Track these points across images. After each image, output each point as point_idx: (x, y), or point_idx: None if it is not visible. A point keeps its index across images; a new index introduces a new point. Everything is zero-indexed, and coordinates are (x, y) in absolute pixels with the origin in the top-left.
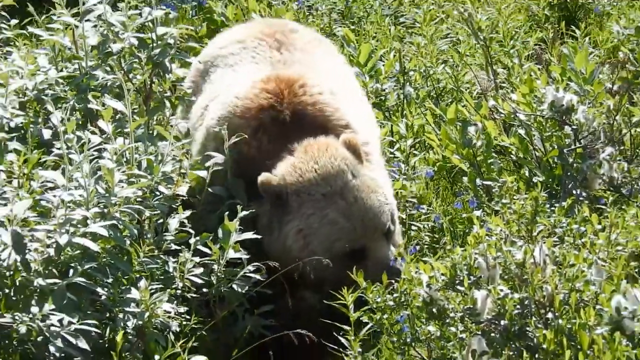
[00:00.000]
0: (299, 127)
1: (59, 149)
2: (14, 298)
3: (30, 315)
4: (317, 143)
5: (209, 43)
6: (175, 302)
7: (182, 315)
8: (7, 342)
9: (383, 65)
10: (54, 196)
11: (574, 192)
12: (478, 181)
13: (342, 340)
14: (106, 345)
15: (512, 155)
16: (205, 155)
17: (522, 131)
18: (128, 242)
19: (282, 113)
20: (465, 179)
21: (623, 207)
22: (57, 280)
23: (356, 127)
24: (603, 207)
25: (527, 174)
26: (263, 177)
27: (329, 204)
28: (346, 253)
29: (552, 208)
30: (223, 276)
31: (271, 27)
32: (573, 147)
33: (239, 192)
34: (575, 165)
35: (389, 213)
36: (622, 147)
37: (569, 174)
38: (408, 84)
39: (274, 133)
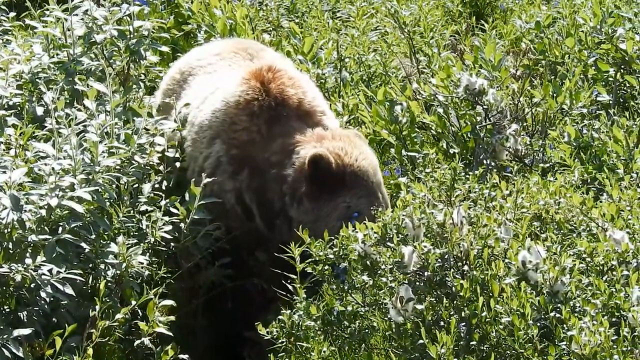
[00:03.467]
0: (285, 111)
1: (50, 124)
2: (11, 251)
3: (25, 266)
4: (347, 135)
5: (184, 55)
6: (148, 254)
7: (154, 266)
8: (4, 288)
9: (323, 53)
10: (46, 165)
11: (485, 162)
12: (403, 152)
13: (290, 287)
14: (89, 291)
15: (432, 130)
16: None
17: (440, 110)
18: (108, 203)
19: (266, 100)
20: (392, 150)
21: (526, 175)
22: (48, 237)
23: (328, 113)
24: (509, 174)
25: (444, 146)
26: (320, 152)
27: (374, 192)
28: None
29: (467, 176)
30: (188, 233)
31: (243, 44)
32: (484, 123)
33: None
34: (485, 139)
35: None
36: (525, 124)
37: (480, 146)
38: (344, 69)
39: (266, 118)
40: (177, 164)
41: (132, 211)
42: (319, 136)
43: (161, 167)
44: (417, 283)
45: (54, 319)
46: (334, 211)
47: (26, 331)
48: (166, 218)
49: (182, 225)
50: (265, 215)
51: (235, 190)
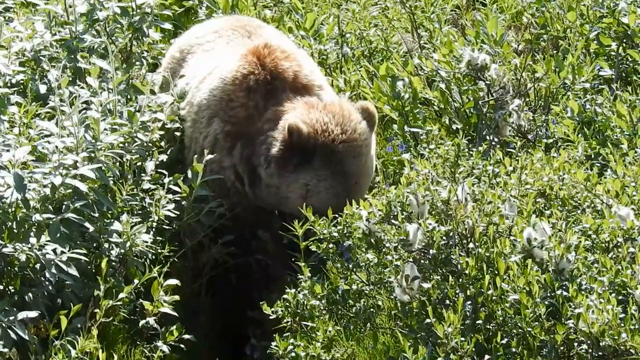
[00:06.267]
0: (282, 84)
1: (53, 101)
2: (15, 231)
3: (29, 246)
4: (341, 107)
5: (184, 33)
6: (151, 233)
7: (158, 245)
8: (9, 268)
9: (325, 29)
10: (49, 143)
11: (488, 138)
12: (406, 128)
13: (294, 266)
14: (93, 271)
15: (434, 106)
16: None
17: (442, 86)
18: (112, 182)
19: (262, 74)
20: (395, 126)
21: (530, 150)
22: (52, 216)
23: (327, 88)
24: (513, 150)
25: (447, 122)
26: (294, 122)
27: (340, 180)
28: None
29: (470, 152)
30: (191, 211)
31: (241, 21)
32: (486, 99)
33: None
34: (488, 114)
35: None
36: (527, 99)
37: (483, 122)
38: (345, 45)
39: (263, 92)
40: (177, 134)
41: (135, 189)
42: (310, 104)
43: (163, 143)
44: (422, 261)
45: (58, 300)
46: (293, 185)
47: (32, 314)
48: (170, 196)
49: (184, 203)
50: (252, 181)
51: (233, 167)
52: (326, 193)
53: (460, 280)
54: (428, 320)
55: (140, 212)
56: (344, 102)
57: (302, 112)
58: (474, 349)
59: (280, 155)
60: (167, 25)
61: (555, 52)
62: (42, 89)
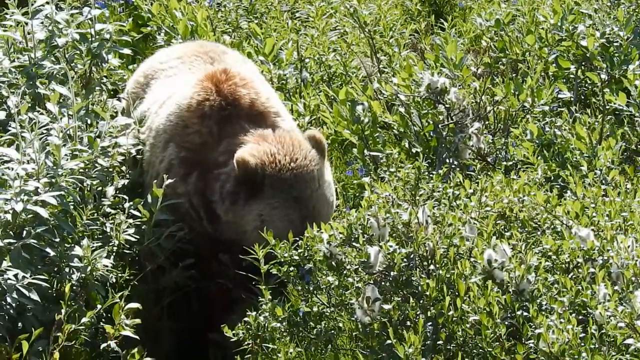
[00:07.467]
0: (237, 111)
1: (13, 128)
2: None
3: None
4: (290, 137)
5: (149, 58)
6: (112, 257)
7: (118, 269)
8: None
9: (284, 54)
10: (10, 169)
11: (448, 161)
12: (366, 152)
13: (254, 289)
14: (54, 295)
15: (394, 130)
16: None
17: (402, 109)
18: (72, 207)
19: (217, 100)
20: (354, 150)
21: (489, 173)
22: (13, 241)
23: (284, 114)
24: (472, 173)
25: (407, 145)
26: (241, 156)
27: (293, 206)
28: None
29: (431, 175)
30: (151, 235)
31: (205, 47)
32: (446, 122)
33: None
34: (448, 138)
35: (331, 216)
36: (487, 122)
37: (443, 145)
38: (305, 69)
39: (217, 118)
40: (138, 157)
41: (96, 214)
42: (262, 137)
43: (124, 168)
44: (383, 283)
45: (19, 324)
46: (247, 217)
47: None
48: (130, 220)
49: (144, 227)
50: (210, 218)
51: (187, 195)
52: (280, 221)
53: (421, 301)
54: (389, 342)
55: (100, 236)
56: (293, 132)
57: (251, 146)
58: None
59: (232, 190)
60: (126, 51)
61: (514, 75)
62: (1, 115)
